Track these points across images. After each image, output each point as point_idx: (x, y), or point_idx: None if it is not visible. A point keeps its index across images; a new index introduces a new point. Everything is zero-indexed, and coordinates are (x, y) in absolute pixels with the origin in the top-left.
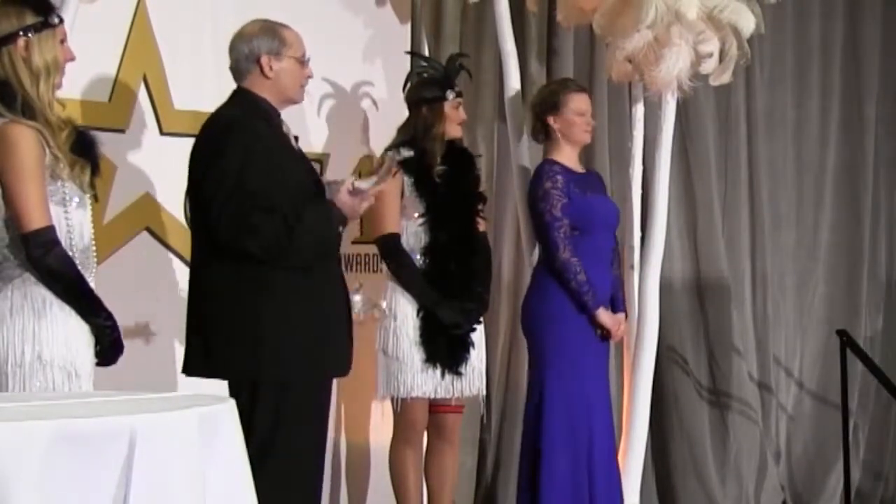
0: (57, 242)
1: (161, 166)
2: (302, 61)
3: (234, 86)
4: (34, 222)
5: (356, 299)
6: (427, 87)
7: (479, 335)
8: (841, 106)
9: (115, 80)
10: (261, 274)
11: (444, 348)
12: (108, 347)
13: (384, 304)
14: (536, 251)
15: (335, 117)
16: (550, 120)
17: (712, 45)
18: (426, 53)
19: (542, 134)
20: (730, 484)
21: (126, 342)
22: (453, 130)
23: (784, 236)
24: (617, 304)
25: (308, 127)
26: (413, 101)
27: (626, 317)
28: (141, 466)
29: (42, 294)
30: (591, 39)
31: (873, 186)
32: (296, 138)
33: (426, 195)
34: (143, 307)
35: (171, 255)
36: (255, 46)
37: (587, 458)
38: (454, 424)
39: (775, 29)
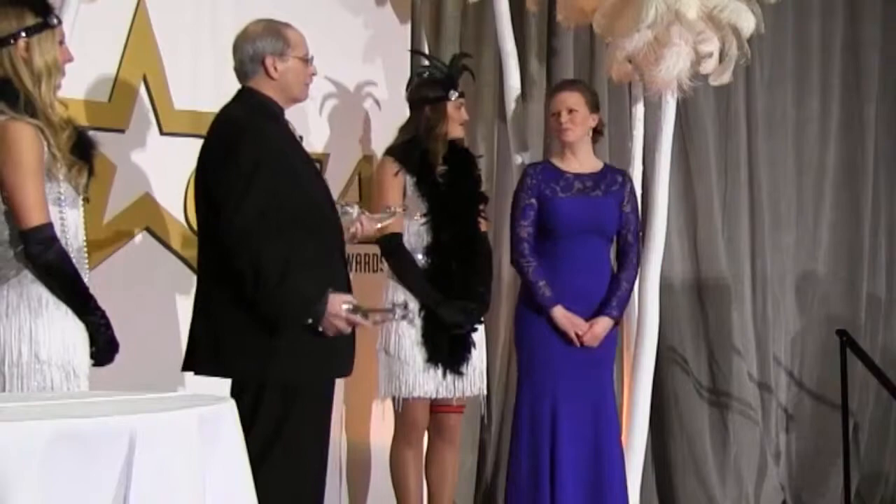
0: (55, 239)
1: (161, 166)
2: (306, 60)
3: (233, 85)
4: (33, 219)
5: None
6: (430, 87)
7: (479, 335)
8: (841, 106)
9: (115, 80)
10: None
11: (446, 348)
12: (104, 346)
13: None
14: None
15: (335, 117)
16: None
17: (712, 45)
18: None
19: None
20: (730, 484)
21: (126, 342)
22: (455, 130)
23: (784, 236)
24: (607, 307)
25: (308, 127)
26: (416, 100)
27: (618, 322)
28: (141, 466)
29: (38, 293)
30: (591, 39)
31: (873, 186)
32: (300, 138)
33: (428, 195)
34: (143, 307)
35: (171, 255)
36: (259, 47)
37: (550, 468)
38: (455, 424)
39: (775, 29)
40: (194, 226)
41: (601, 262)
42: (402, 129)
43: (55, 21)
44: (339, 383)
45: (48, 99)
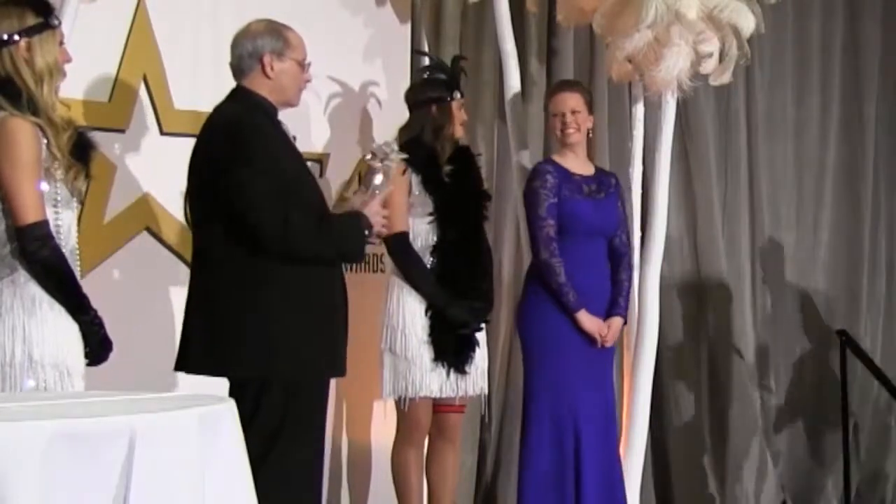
0: (52, 237)
1: (161, 166)
2: (303, 65)
3: (233, 85)
4: (30, 216)
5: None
6: (434, 88)
7: (482, 334)
8: (841, 106)
9: (115, 80)
10: (268, 273)
11: (453, 347)
12: (97, 346)
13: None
14: None
15: (335, 117)
16: (548, 125)
17: (712, 45)
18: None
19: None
20: (730, 484)
21: (125, 341)
22: (458, 130)
23: (784, 236)
24: (615, 307)
25: (308, 127)
26: (419, 101)
27: (625, 322)
28: (141, 466)
29: (32, 293)
30: (591, 39)
31: (873, 186)
32: (294, 138)
33: (435, 194)
34: (143, 307)
35: (171, 255)
36: (259, 45)
37: (575, 461)
38: (456, 424)
39: (775, 29)
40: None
41: (604, 262)
42: (404, 130)
43: (56, 22)
44: (339, 383)
45: (50, 99)
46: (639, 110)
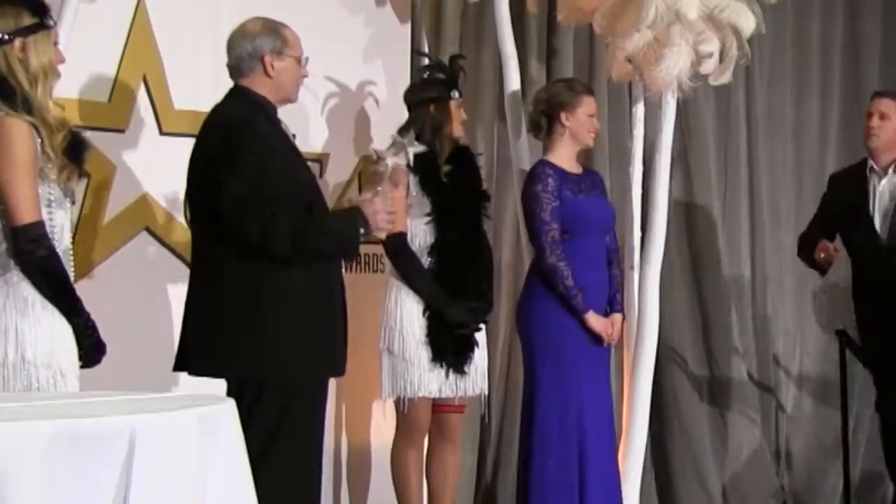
0: (47, 237)
1: (161, 166)
2: (300, 61)
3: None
4: (25, 216)
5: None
6: (433, 87)
7: (482, 335)
8: (841, 106)
9: (115, 80)
10: (267, 274)
11: (451, 347)
12: (90, 349)
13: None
14: None
15: (335, 117)
16: (563, 117)
17: (712, 45)
18: (427, 53)
19: (545, 131)
20: (730, 484)
21: (125, 342)
22: (458, 130)
23: (784, 236)
24: (615, 304)
25: (308, 127)
26: (417, 101)
27: (625, 318)
28: (141, 466)
29: (25, 293)
30: (591, 39)
31: None
32: (293, 136)
33: (433, 194)
34: (143, 307)
35: (171, 255)
36: (258, 45)
37: (579, 460)
38: (456, 424)
39: (775, 29)
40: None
41: (604, 259)
42: (402, 130)
43: (51, 22)
44: (339, 383)
45: (44, 100)
46: (639, 110)
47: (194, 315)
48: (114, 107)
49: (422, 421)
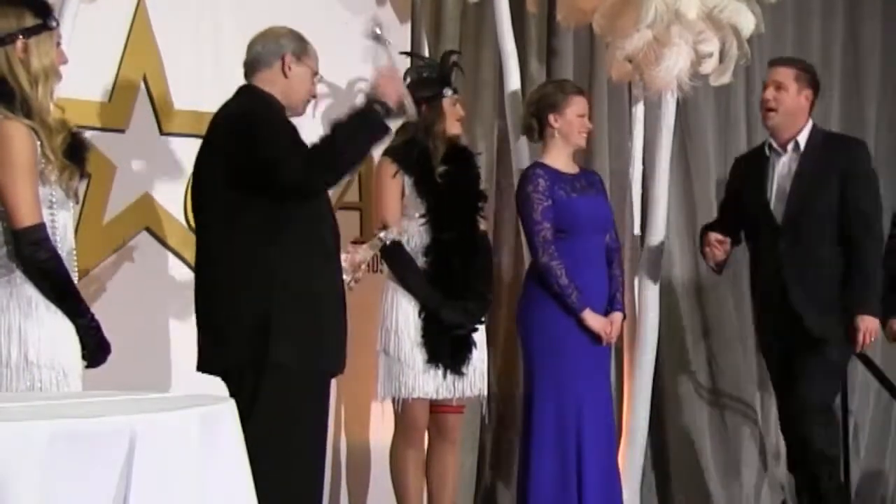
0: (48, 240)
1: (161, 166)
2: (314, 76)
3: (233, 85)
4: (26, 219)
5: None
6: (425, 86)
7: (480, 335)
8: (841, 106)
9: (115, 80)
10: (275, 269)
11: (447, 349)
12: (95, 349)
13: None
14: None
15: (334, 117)
16: (552, 119)
17: (712, 45)
18: (426, 53)
19: (538, 132)
20: (730, 484)
21: (125, 342)
22: (453, 128)
23: None
24: (615, 303)
25: (307, 127)
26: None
27: (625, 317)
28: (141, 466)
29: (28, 294)
30: (591, 39)
31: None
32: None
33: (427, 195)
34: (143, 307)
35: (171, 255)
36: (282, 44)
37: (577, 461)
38: (455, 425)
39: (775, 29)
40: (193, 225)
41: (604, 258)
42: (400, 130)
43: (54, 23)
44: (338, 384)
45: (45, 101)
46: (639, 110)
47: (202, 308)
48: (114, 107)
49: (419, 422)
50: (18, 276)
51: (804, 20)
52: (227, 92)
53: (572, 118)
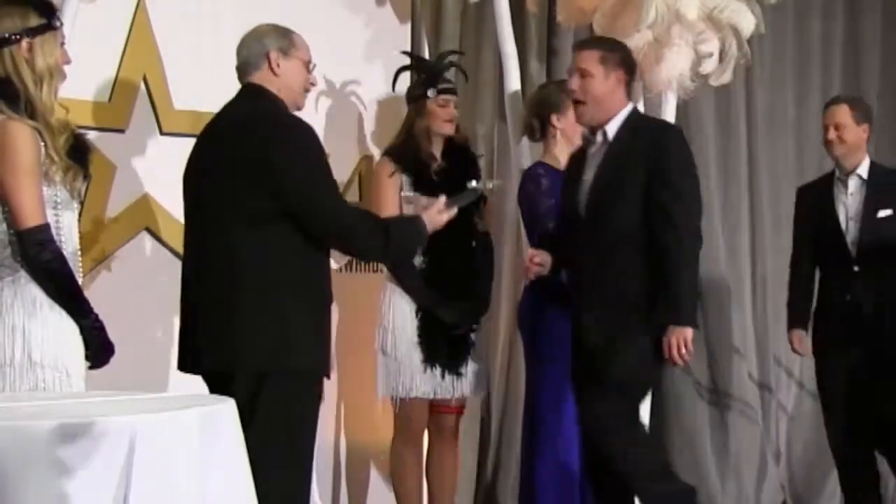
0: (52, 240)
1: (161, 166)
2: (307, 66)
3: (233, 85)
4: (30, 219)
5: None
6: (413, 86)
7: (479, 335)
8: None
9: (115, 80)
10: (298, 276)
11: (444, 349)
12: (98, 349)
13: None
14: None
15: (335, 117)
16: (554, 119)
17: (712, 45)
18: (426, 53)
19: (539, 133)
20: (730, 484)
21: (125, 342)
22: (440, 127)
23: (784, 236)
24: None
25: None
26: (406, 100)
27: None
28: (141, 466)
29: (33, 294)
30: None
31: None
32: None
33: (424, 194)
34: (143, 307)
35: (171, 255)
36: (265, 43)
37: (580, 460)
38: (454, 425)
39: (775, 29)
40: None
41: None
42: (399, 131)
43: (58, 23)
44: (339, 383)
45: (49, 102)
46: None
47: (204, 310)
48: (114, 107)
49: (417, 421)
50: (23, 276)
51: (804, 20)
52: (227, 92)
53: (574, 119)
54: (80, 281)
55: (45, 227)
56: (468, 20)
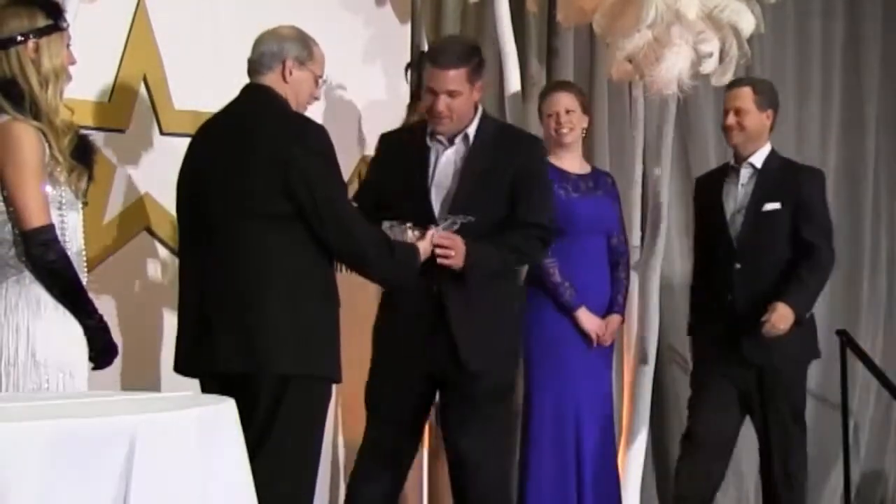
0: (56, 241)
1: (161, 166)
2: (318, 80)
3: (233, 85)
4: (35, 220)
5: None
6: (418, 86)
7: None
8: (841, 106)
9: (115, 80)
10: (320, 282)
11: None
12: (102, 350)
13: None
14: None
15: (335, 117)
16: (541, 127)
17: (712, 45)
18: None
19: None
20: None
21: (125, 342)
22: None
23: None
24: (614, 305)
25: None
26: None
27: (624, 320)
28: (141, 466)
29: (38, 294)
30: (591, 39)
31: (874, 186)
32: None
33: None
34: (143, 307)
35: (171, 255)
36: (286, 48)
37: (576, 463)
38: None
39: (776, 29)
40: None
41: (605, 260)
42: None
43: (65, 24)
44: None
45: (53, 102)
46: (639, 110)
47: (219, 310)
48: (114, 107)
49: None
50: (28, 276)
51: (804, 20)
52: (227, 92)
53: (545, 119)
54: (84, 281)
55: (50, 228)
56: (468, 20)
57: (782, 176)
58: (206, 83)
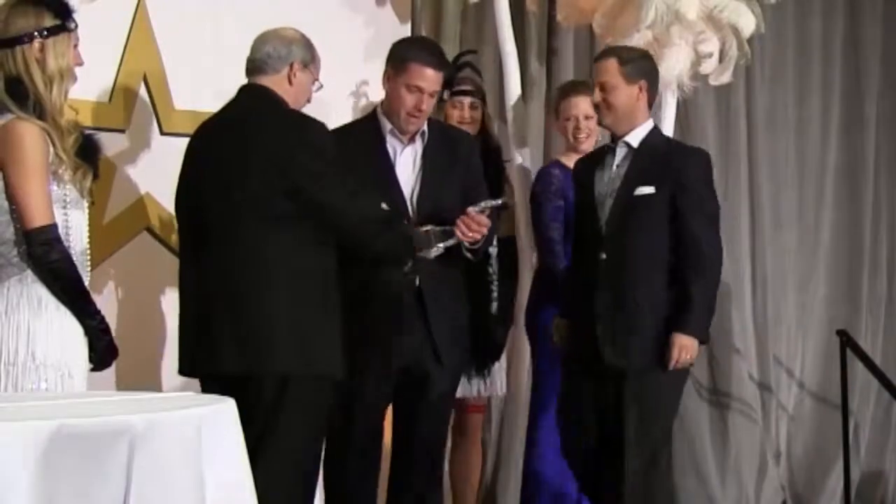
0: (59, 240)
1: (161, 166)
2: (314, 82)
3: (233, 85)
4: (37, 219)
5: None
6: None
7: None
8: (841, 105)
9: (115, 80)
10: (326, 280)
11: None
12: (102, 351)
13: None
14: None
15: (335, 117)
16: (554, 125)
17: (712, 45)
18: None
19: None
20: (730, 484)
21: (125, 342)
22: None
23: (785, 236)
24: None
25: None
26: None
27: None
28: (141, 466)
29: (39, 293)
30: (591, 39)
31: (874, 186)
32: None
33: None
34: (143, 307)
35: (171, 255)
36: (294, 51)
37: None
38: (476, 424)
39: (776, 28)
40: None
41: None
42: None
43: (73, 25)
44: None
45: (58, 102)
46: None
47: (221, 311)
48: (114, 107)
49: None
50: (30, 275)
51: (804, 20)
52: (227, 92)
53: (562, 122)
54: (88, 280)
55: (52, 227)
56: (468, 20)
57: (660, 157)
58: (206, 83)
